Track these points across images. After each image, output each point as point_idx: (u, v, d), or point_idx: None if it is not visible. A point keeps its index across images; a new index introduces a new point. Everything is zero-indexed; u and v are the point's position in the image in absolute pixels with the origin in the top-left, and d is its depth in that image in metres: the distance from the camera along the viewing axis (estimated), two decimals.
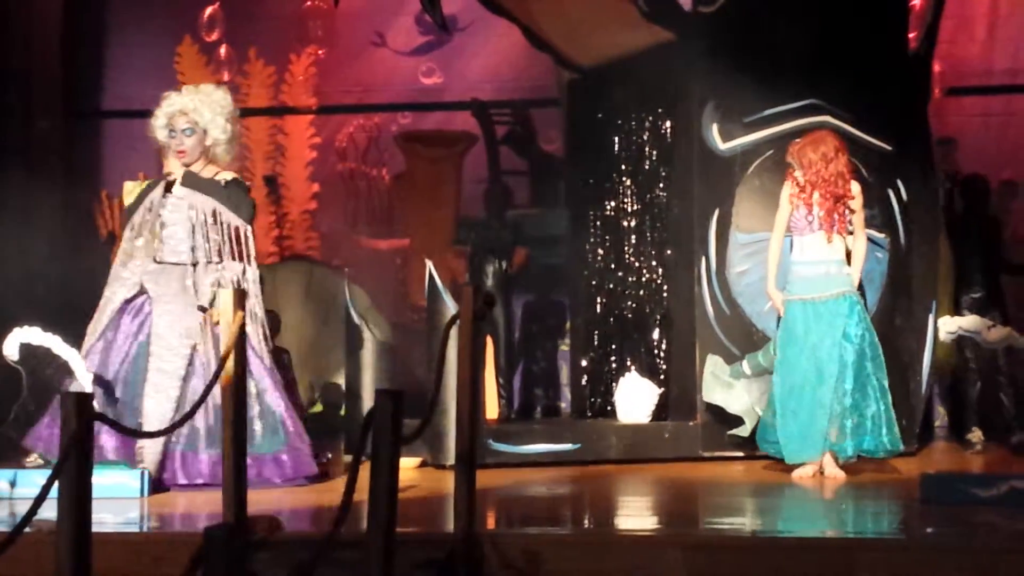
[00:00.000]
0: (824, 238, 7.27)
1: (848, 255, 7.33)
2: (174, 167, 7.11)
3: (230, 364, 5.29)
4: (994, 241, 8.88)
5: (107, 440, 6.68)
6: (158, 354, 6.78)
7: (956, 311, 8.60)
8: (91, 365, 6.84)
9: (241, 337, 5.37)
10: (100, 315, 6.97)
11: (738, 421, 7.83)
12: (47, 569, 4.35)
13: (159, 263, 6.95)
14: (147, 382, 6.75)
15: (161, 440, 6.64)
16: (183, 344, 6.80)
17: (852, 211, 7.27)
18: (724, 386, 7.89)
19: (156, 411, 6.70)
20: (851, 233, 7.33)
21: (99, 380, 6.78)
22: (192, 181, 6.98)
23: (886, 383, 7.28)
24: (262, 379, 6.85)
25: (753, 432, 7.63)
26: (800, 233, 7.33)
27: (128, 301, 6.94)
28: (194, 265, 6.91)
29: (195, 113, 6.97)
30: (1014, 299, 9.15)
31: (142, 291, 6.94)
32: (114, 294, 6.98)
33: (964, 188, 8.87)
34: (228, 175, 7.06)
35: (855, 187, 7.31)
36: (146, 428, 6.54)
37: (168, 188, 7.04)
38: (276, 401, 6.87)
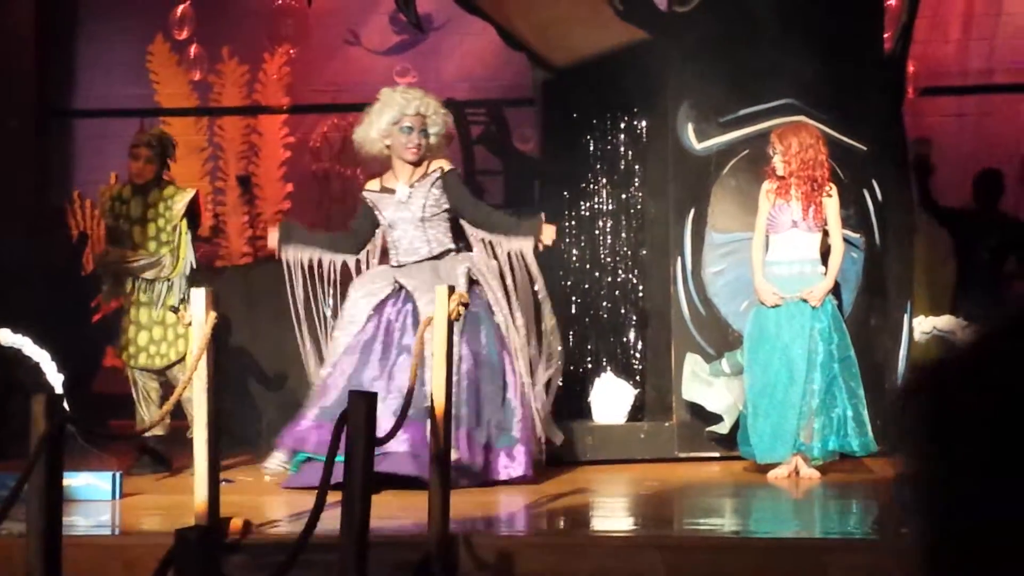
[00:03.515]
0: (799, 237, 7.28)
1: (823, 255, 7.34)
2: (402, 168, 7.30)
3: (203, 366, 5.24)
4: (1008, 238, 8.76)
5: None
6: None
7: (953, 311, 8.57)
8: (349, 367, 6.98)
9: (214, 338, 5.32)
10: (351, 320, 7.12)
11: (717, 419, 7.82)
12: (17, 572, 4.30)
13: (400, 266, 7.18)
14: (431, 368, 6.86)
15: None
16: (455, 329, 6.90)
17: (829, 196, 7.27)
18: (704, 384, 7.89)
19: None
20: (827, 232, 7.34)
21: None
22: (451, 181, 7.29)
23: (855, 385, 7.28)
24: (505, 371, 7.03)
25: (732, 430, 7.62)
26: (776, 231, 7.34)
27: (379, 303, 7.12)
28: (439, 256, 7.19)
29: (422, 109, 7.25)
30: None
31: (392, 291, 7.11)
32: (364, 296, 7.15)
33: (978, 184, 8.77)
34: (445, 164, 7.34)
35: (834, 191, 7.32)
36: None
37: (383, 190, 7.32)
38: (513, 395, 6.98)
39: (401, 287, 7.13)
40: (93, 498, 6.33)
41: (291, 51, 12.90)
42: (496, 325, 7.12)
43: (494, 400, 7.01)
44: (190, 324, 5.51)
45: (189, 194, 7.79)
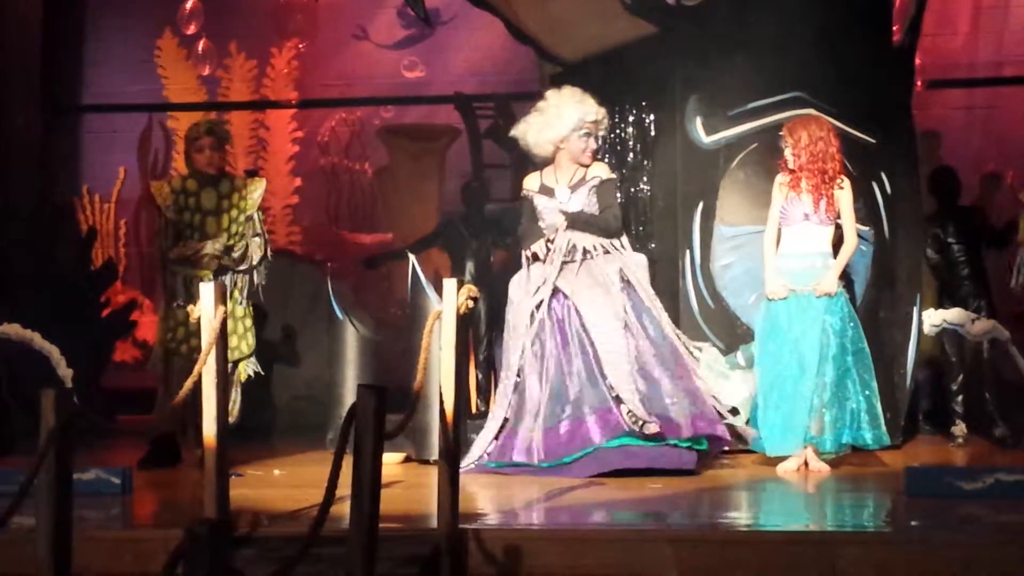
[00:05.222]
0: (811, 230, 7.28)
1: (835, 248, 7.33)
2: (564, 169, 7.43)
3: (212, 359, 5.25)
4: (977, 231, 8.83)
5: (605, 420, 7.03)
6: (600, 340, 7.10)
7: (940, 306, 8.59)
8: (530, 368, 7.22)
9: (223, 333, 5.32)
10: (518, 321, 7.34)
11: (733, 411, 7.81)
12: (28, 566, 4.31)
13: (554, 266, 7.30)
14: (605, 364, 7.06)
15: (639, 401, 6.95)
16: (618, 326, 7.12)
17: (841, 188, 7.27)
18: (720, 377, 7.88)
19: (623, 384, 7.00)
20: (839, 224, 7.33)
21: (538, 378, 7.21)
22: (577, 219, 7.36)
23: (869, 377, 7.29)
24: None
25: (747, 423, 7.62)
26: (788, 224, 7.34)
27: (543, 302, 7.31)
28: (592, 257, 7.31)
29: (598, 116, 7.40)
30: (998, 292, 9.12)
31: (554, 291, 7.29)
32: (525, 299, 7.34)
33: (934, 182, 8.82)
34: (604, 172, 7.45)
35: (846, 183, 7.32)
36: (623, 396, 6.95)
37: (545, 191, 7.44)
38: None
39: (558, 288, 7.27)
40: (103, 492, 6.33)
41: (299, 46, 12.91)
42: (656, 318, 7.25)
43: (673, 383, 7.15)
44: (198, 319, 5.51)
45: (263, 182, 7.89)
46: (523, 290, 7.37)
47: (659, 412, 7.01)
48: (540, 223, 7.41)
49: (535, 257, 7.37)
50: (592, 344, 7.12)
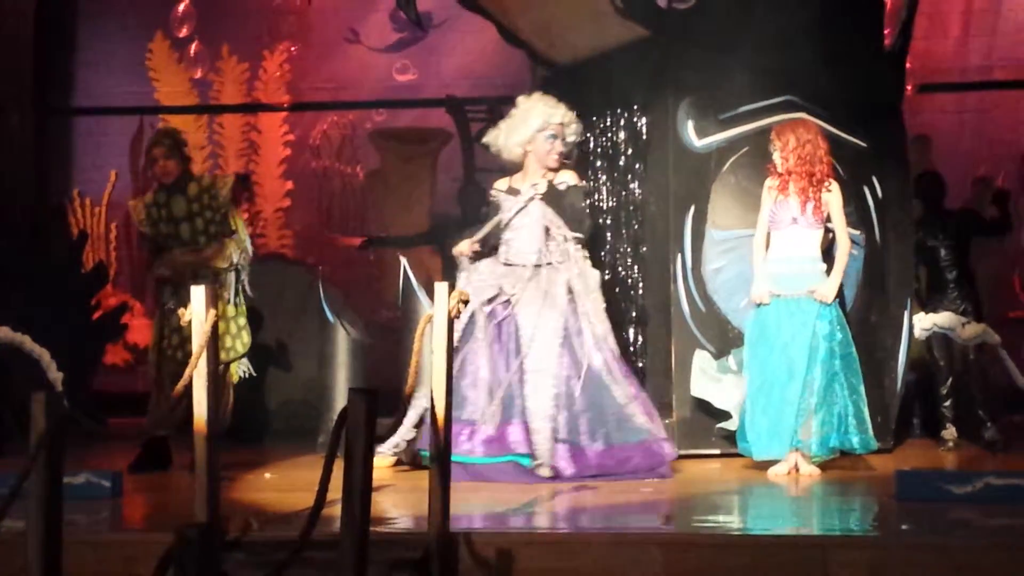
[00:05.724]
0: (800, 233, 7.29)
1: (825, 252, 7.34)
2: (532, 174, 7.39)
3: (202, 362, 5.24)
4: (966, 233, 8.82)
5: (514, 434, 7.00)
6: (531, 356, 7.08)
7: (924, 309, 8.60)
8: (465, 367, 7.15)
9: (214, 336, 5.31)
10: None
11: (724, 416, 7.82)
12: (17, 570, 4.31)
13: (508, 265, 7.29)
14: (527, 383, 7.06)
15: (549, 434, 6.95)
16: (555, 343, 7.08)
17: (829, 191, 7.28)
18: (712, 381, 7.90)
19: (540, 409, 6.99)
20: (829, 228, 7.34)
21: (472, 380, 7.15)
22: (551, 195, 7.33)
23: (856, 382, 7.30)
24: (610, 370, 7.14)
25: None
26: (777, 228, 7.35)
27: (486, 303, 7.25)
28: (546, 265, 7.25)
29: (564, 119, 7.39)
30: (987, 294, 9.15)
31: (498, 293, 7.25)
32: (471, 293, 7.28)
33: (919, 186, 8.82)
34: (572, 179, 7.39)
35: (835, 186, 7.33)
36: (533, 425, 6.95)
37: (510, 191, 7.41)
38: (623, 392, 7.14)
39: (504, 292, 7.25)
40: (93, 496, 6.32)
41: (291, 49, 12.92)
42: (594, 334, 7.20)
43: (599, 407, 7.10)
44: (189, 322, 5.49)
45: (230, 178, 7.89)
46: (469, 286, 7.25)
47: (572, 440, 7.01)
48: (501, 219, 7.37)
49: (476, 255, 7.36)
50: (522, 359, 7.10)
